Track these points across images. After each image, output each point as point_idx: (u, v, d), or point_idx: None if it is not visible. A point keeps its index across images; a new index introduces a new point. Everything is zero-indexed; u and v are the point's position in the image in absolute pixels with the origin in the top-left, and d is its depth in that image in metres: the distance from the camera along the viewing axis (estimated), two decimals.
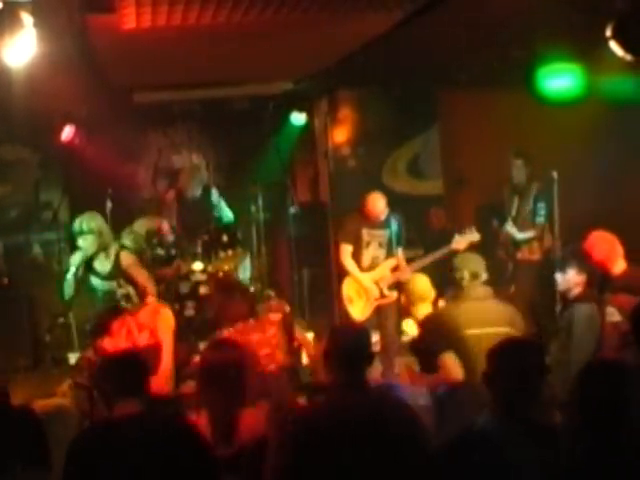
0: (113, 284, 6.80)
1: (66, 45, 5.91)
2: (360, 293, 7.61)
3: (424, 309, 5.72)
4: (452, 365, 4.80)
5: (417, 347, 5.45)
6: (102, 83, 8.13)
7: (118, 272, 6.96)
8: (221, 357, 3.94)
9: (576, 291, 5.35)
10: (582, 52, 7.18)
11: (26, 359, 8.34)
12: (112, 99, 8.80)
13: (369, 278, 7.55)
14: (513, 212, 8.03)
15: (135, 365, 3.60)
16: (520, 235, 7.92)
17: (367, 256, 7.61)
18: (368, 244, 7.60)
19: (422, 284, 5.94)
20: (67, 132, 8.94)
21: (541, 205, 7.81)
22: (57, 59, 5.87)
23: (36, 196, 9.66)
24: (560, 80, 7.75)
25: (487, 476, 2.97)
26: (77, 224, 7.24)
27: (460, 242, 7.23)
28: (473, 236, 7.27)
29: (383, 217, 7.57)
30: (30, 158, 9.74)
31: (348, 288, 7.69)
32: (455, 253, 7.07)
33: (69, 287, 7.34)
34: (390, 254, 7.61)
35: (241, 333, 5.17)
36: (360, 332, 3.55)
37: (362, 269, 7.60)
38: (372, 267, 7.60)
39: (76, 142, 9.06)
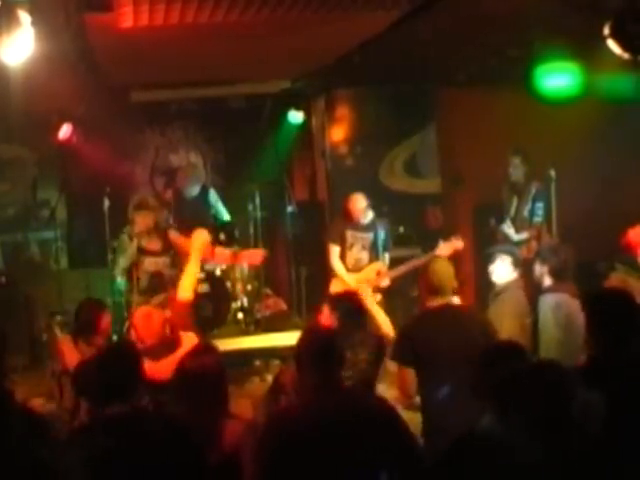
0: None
1: (64, 44, 5.91)
2: None
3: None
4: None
5: None
6: (99, 82, 8.12)
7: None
8: (199, 365, 3.71)
9: (547, 282, 5.40)
10: (580, 50, 7.18)
11: (23, 358, 8.32)
12: (109, 98, 8.79)
13: (355, 280, 7.55)
14: (512, 212, 8.02)
15: (121, 369, 3.49)
16: (516, 237, 7.91)
17: (350, 257, 7.65)
18: (352, 246, 7.63)
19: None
20: (64, 131, 8.93)
21: (539, 205, 7.81)
22: (55, 58, 5.86)
23: (33, 194, 9.64)
24: (558, 78, 7.75)
25: (489, 478, 2.97)
26: None
27: (444, 249, 7.06)
28: (458, 243, 7.20)
29: (365, 219, 7.56)
30: (27, 156, 9.74)
31: (336, 288, 7.70)
32: None
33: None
34: (375, 258, 7.61)
35: None
36: (330, 333, 3.55)
37: (347, 270, 7.62)
38: (355, 269, 7.61)
39: (73, 141, 9.05)
